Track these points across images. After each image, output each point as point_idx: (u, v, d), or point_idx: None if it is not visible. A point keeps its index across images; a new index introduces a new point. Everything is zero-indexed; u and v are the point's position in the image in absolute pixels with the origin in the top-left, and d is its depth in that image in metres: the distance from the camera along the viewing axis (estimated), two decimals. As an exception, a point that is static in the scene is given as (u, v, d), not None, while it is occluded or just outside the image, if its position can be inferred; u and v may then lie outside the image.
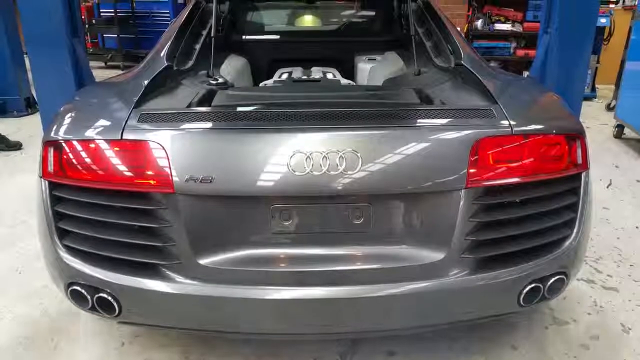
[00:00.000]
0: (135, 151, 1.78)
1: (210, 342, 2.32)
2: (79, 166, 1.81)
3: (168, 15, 9.77)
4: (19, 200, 3.80)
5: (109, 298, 1.79)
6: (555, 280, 1.88)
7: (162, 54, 2.51)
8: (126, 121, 1.83)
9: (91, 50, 10.37)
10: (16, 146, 5.21)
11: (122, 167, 1.78)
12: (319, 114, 1.90)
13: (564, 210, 1.92)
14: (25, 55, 6.06)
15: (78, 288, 1.82)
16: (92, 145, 1.81)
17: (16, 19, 6.00)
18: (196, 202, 1.76)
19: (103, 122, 1.88)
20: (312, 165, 1.70)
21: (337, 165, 1.71)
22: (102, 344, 2.33)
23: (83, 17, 8.77)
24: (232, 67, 3.17)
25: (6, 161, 4.85)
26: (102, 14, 10.75)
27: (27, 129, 5.81)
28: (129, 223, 1.79)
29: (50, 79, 4.02)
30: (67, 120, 1.95)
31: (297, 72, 3.27)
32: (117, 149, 1.79)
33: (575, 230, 1.91)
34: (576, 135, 1.91)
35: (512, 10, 8.39)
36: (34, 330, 2.42)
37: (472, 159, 1.77)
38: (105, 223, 1.80)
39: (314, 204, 1.81)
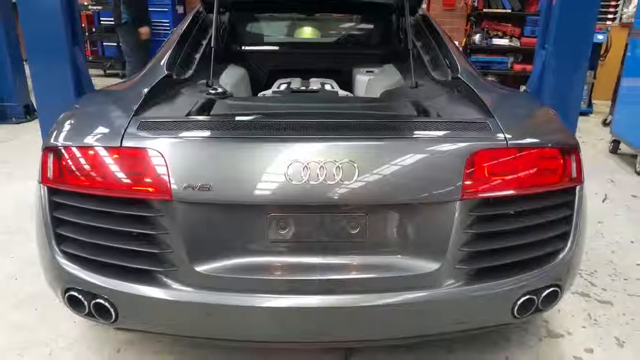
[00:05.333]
0: (134, 158, 1.80)
1: (205, 349, 2.32)
2: (78, 172, 1.82)
3: (168, 24, 9.82)
4: (15, 206, 3.80)
5: (106, 304, 1.80)
6: (549, 292, 1.89)
7: (162, 63, 2.53)
8: (126, 129, 1.84)
9: (91, 58, 10.41)
10: None
11: (121, 174, 1.80)
12: (317, 124, 1.92)
13: (558, 223, 1.94)
14: (24, 63, 6.09)
15: (75, 294, 1.82)
16: (92, 152, 1.82)
17: (17, 26, 6.04)
18: (193, 209, 1.78)
19: (103, 130, 1.90)
20: (309, 174, 1.72)
21: (334, 175, 1.72)
22: (98, 351, 2.32)
23: (83, 25, 8.82)
24: (231, 77, 3.20)
25: (2, 168, 4.84)
26: (102, 22, 10.80)
27: (25, 136, 5.82)
28: (126, 230, 1.80)
29: (49, 86, 4.04)
30: (67, 127, 1.96)
31: (296, 83, 3.30)
32: (116, 156, 1.81)
33: (569, 243, 1.93)
34: (571, 149, 1.93)
35: (510, 25, 8.47)
36: (30, 337, 2.41)
37: (468, 171, 1.79)
38: (103, 229, 1.81)
39: (310, 213, 1.82)
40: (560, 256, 1.91)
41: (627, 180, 4.85)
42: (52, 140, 1.88)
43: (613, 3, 7.90)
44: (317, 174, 1.72)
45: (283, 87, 3.21)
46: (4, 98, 6.37)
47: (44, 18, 3.91)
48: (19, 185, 4.26)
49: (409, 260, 1.84)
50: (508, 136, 1.86)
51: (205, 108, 2.25)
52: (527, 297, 1.85)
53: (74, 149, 1.83)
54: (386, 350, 2.33)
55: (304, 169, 1.72)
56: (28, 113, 6.53)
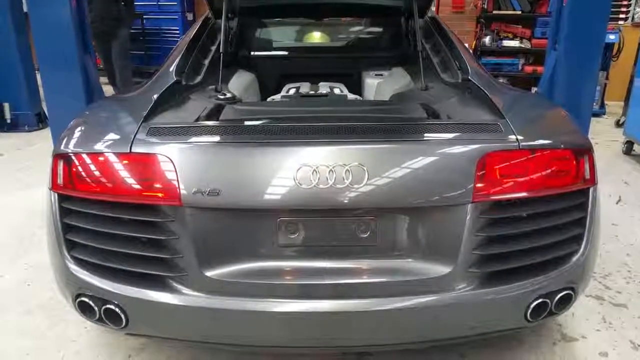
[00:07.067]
0: (143, 164, 1.80)
1: (217, 354, 2.31)
2: (88, 179, 1.83)
3: (177, 31, 9.87)
4: (27, 212, 3.83)
5: (117, 309, 1.80)
6: (562, 295, 1.87)
7: (171, 70, 2.54)
8: (135, 135, 1.85)
9: (101, 66, 10.50)
10: None
11: (130, 180, 1.80)
12: (326, 128, 1.92)
13: (572, 225, 1.91)
14: (36, 71, 6.16)
15: (86, 299, 1.83)
16: (102, 159, 1.83)
17: (28, 36, 6.10)
18: (203, 214, 1.77)
19: (112, 136, 1.91)
20: (319, 178, 1.71)
21: (343, 178, 1.71)
22: (109, 356, 2.33)
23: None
24: (240, 83, 3.21)
25: (14, 175, 4.89)
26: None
27: (37, 143, 5.88)
28: (136, 235, 1.80)
29: (61, 95, 4.09)
30: (77, 133, 1.97)
31: (305, 87, 3.29)
32: (125, 162, 1.81)
33: (583, 246, 1.90)
34: (583, 150, 1.91)
35: (520, 27, 8.41)
36: (42, 343, 2.42)
37: (479, 174, 1.77)
38: (113, 235, 1.81)
39: (320, 217, 1.81)
40: (574, 259, 1.89)
41: (641, 182, 4.80)
42: (62, 147, 1.90)
43: (625, 2, 7.81)
44: (327, 178, 1.71)
45: (292, 91, 3.21)
46: (16, 107, 6.44)
47: (55, 27, 3.97)
48: (31, 192, 4.29)
49: (420, 264, 1.83)
50: (520, 138, 1.84)
51: (214, 113, 2.25)
52: (541, 300, 1.83)
53: (84, 156, 1.84)
54: (398, 354, 2.31)
55: (313, 172, 1.72)
56: (40, 121, 6.59)
